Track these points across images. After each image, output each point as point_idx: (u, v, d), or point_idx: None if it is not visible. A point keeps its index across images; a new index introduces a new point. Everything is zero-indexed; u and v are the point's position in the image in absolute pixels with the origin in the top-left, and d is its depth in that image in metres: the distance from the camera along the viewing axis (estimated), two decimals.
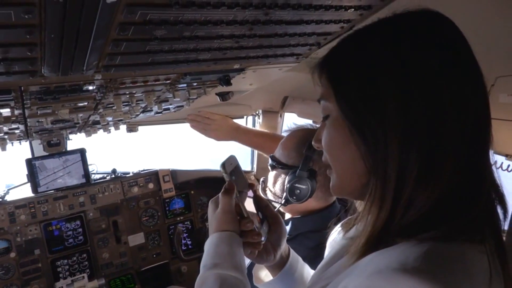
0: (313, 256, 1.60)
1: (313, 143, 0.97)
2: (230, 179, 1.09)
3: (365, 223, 0.81)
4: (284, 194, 1.80)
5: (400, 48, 0.74)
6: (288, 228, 1.92)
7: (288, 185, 1.74)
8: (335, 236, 1.17)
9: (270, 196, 1.96)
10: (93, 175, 3.33)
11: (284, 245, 1.24)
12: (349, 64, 0.82)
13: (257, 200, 1.21)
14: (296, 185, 1.72)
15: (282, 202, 1.82)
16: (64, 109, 1.71)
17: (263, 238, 1.11)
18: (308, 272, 1.34)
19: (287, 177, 1.80)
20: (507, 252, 0.74)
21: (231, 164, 1.12)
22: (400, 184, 0.73)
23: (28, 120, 1.85)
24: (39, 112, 1.69)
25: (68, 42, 0.92)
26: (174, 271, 3.51)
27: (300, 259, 1.32)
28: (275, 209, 1.86)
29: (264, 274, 1.30)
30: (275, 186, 1.91)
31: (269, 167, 1.93)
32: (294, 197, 1.74)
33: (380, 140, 0.74)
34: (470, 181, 0.73)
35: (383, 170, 0.74)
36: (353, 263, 0.79)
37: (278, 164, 1.86)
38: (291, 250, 1.29)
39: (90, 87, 1.46)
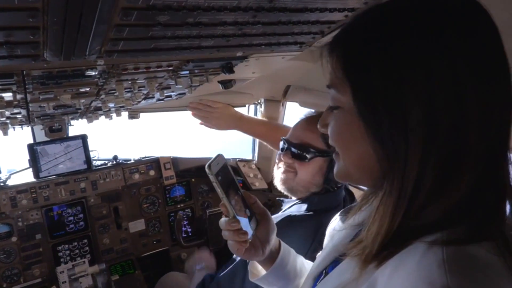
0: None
1: (318, 127, 0.90)
2: (216, 180, 1.04)
3: (372, 228, 0.76)
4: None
5: (442, 40, 0.65)
6: (305, 205, 1.99)
7: None
8: (335, 225, 1.17)
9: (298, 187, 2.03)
10: (94, 162, 3.34)
11: (274, 240, 1.22)
12: (371, 54, 0.71)
13: (245, 198, 1.16)
14: None
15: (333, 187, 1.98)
16: (66, 94, 1.70)
17: (249, 236, 1.10)
18: (302, 262, 1.33)
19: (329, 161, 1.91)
20: None
21: (217, 164, 1.07)
22: (415, 192, 0.69)
23: (30, 105, 1.85)
24: (41, 97, 1.69)
25: (70, 26, 0.91)
26: (174, 258, 3.55)
27: (292, 251, 1.30)
28: (319, 195, 1.97)
29: (260, 269, 1.30)
30: (313, 177, 1.98)
31: (306, 160, 1.96)
32: None
33: (400, 149, 0.69)
34: (486, 189, 0.69)
35: (400, 178, 0.70)
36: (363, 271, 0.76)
37: (321, 153, 1.91)
38: (282, 244, 1.27)
39: (92, 73, 1.46)
